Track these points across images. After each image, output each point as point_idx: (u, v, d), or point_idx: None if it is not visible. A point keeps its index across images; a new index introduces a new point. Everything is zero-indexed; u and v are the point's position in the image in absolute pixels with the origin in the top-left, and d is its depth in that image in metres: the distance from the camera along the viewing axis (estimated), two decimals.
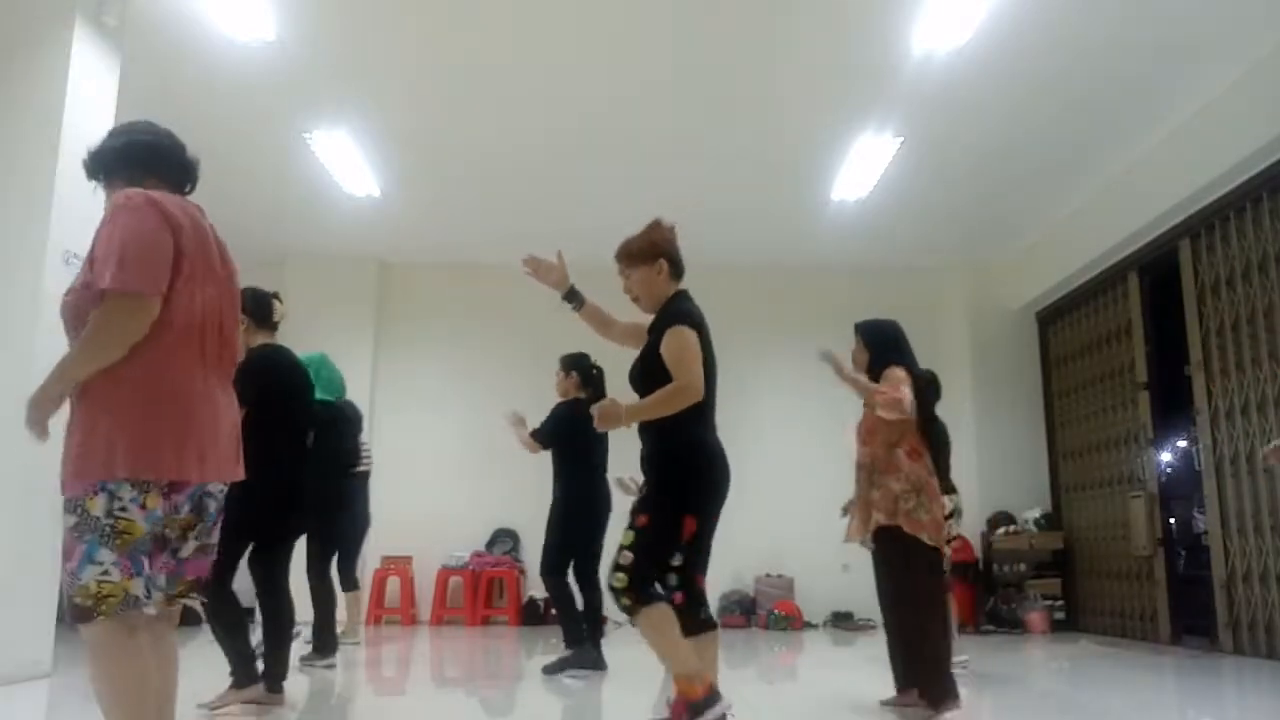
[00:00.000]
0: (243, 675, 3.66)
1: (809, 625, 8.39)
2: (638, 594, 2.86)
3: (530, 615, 8.30)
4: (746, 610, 8.46)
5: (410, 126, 6.63)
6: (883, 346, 3.98)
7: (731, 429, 3.23)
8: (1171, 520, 7.76)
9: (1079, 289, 8.20)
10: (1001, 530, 8.35)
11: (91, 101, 4.76)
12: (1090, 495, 8.14)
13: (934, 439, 4.27)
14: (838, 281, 9.32)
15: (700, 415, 3.01)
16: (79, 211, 4.68)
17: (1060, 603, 8.12)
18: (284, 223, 8.29)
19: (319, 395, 4.99)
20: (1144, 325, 7.33)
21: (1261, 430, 5.80)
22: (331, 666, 5.06)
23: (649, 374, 3.03)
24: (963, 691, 3.64)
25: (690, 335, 3.00)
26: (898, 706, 3.87)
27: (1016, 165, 7.06)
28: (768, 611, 8.28)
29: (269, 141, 6.75)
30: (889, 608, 3.89)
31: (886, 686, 3.96)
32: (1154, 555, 7.11)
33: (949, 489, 5.06)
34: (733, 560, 8.43)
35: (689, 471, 2.99)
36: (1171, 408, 7.33)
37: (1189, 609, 6.95)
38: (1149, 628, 7.12)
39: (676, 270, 3.22)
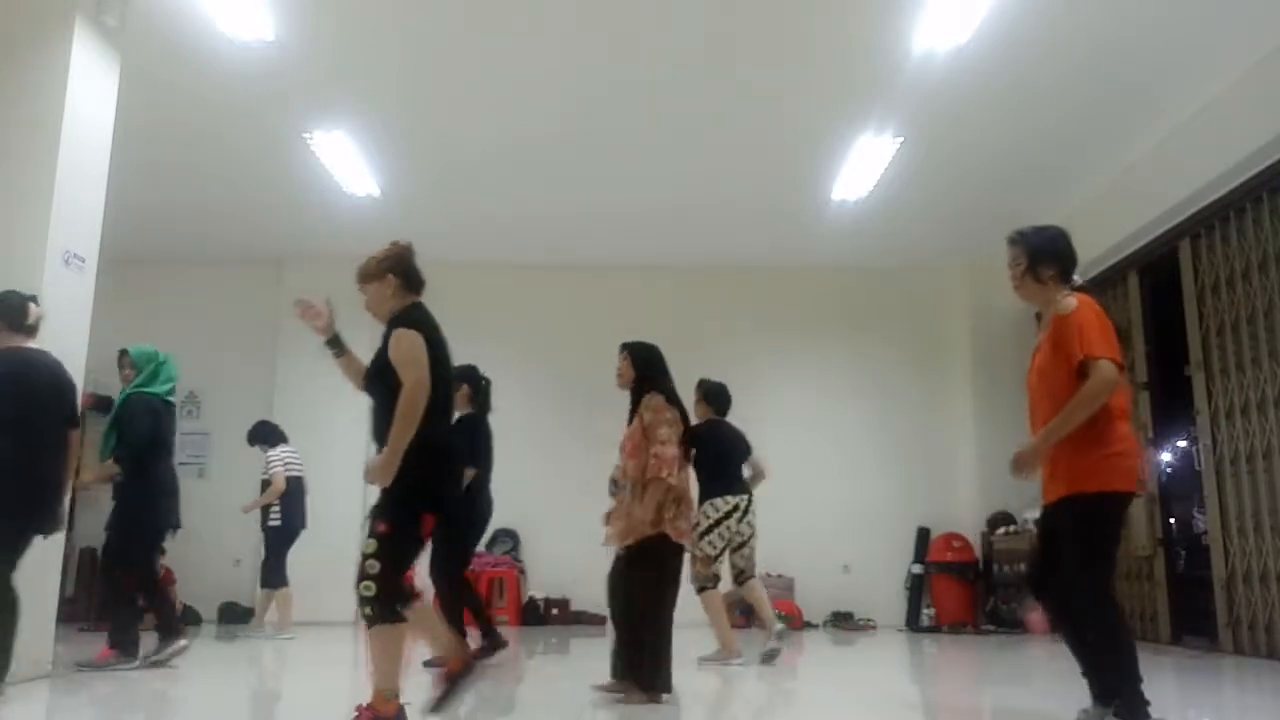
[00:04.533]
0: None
1: (809, 625, 8.38)
2: (385, 609, 2.95)
3: (530, 615, 8.30)
4: (746, 610, 8.45)
5: (410, 126, 6.63)
6: (647, 367, 4.18)
7: None
8: (1171, 520, 7.75)
9: (1079, 289, 8.18)
10: (1001, 530, 8.35)
11: (91, 101, 4.76)
12: None
13: (715, 444, 5.09)
14: (838, 281, 9.34)
15: (433, 415, 3.11)
16: (79, 211, 4.69)
17: None
18: (284, 223, 8.27)
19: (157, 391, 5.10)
20: (1144, 325, 7.33)
21: (1261, 430, 5.80)
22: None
23: (378, 374, 3.19)
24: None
25: (412, 336, 3.15)
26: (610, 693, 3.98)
27: (1016, 165, 7.06)
28: None
29: (269, 141, 6.75)
30: (628, 608, 3.96)
31: (886, 687, 3.96)
32: (1154, 555, 7.10)
33: (740, 490, 5.45)
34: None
35: (428, 471, 3.07)
36: (1171, 408, 7.31)
37: (1189, 609, 6.93)
38: (1149, 628, 7.12)
39: (409, 284, 3.38)
